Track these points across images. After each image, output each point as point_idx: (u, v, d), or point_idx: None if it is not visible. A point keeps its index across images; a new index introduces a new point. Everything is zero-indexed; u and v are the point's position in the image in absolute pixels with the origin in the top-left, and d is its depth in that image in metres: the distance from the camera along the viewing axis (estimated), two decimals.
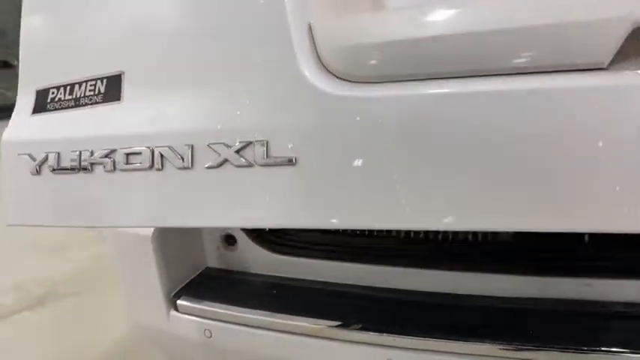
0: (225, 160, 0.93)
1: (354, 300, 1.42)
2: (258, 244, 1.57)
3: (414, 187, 0.88)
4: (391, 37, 0.89)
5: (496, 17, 0.86)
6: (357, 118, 0.88)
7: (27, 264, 3.55)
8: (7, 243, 3.58)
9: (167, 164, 0.97)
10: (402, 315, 1.33)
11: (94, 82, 1.03)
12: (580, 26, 0.81)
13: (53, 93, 1.05)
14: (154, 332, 1.62)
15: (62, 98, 1.04)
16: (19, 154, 1.06)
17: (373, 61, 0.90)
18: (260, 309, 1.40)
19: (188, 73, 1.00)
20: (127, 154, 0.99)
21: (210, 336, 1.45)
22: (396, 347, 1.26)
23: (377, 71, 0.89)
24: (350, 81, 0.91)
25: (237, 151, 0.92)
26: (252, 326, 1.39)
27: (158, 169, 0.97)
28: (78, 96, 1.03)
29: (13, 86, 1.17)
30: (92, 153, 1.00)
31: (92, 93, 1.03)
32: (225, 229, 1.58)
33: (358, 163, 0.89)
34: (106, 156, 1.00)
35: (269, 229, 1.59)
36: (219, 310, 1.44)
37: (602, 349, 1.12)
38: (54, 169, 1.04)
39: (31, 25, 1.13)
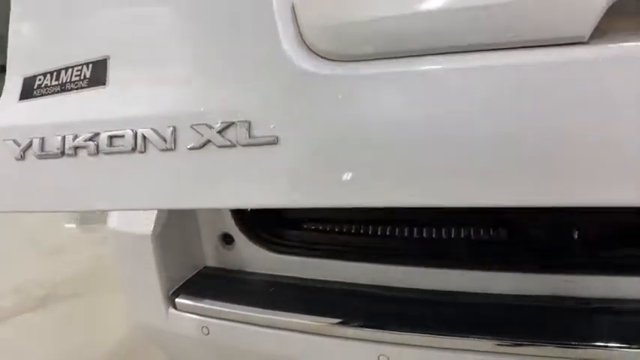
0: (208, 141, 0.89)
1: (349, 298, 1.39)
2: (255, 243, 1.55)
3: (398, 165, 0.83)
4: (373, 15, 0.84)
5: None
6: (340, 97, 0.84)
7: (27, 266, 3.51)
8: (6, 245, 3.54)
9: (150, 146, 0.92)
10: (395, 312, 1.30)
11: (80, 68, 0.99)
12: (560, 1, 0.76)
13: (40, 80, 1.01)
14: (153, 330, 1.59)
15: (48, 84, 1.00)
16: (3, 140, 1.03)
17: (356, 40, 0.85)
18: (256, 306, 1.38)
19: (171, 55, 0.97)
20: (111, 137, 0.95)
21: (208, 333, 1.42)
22: (390, 343, 1.23)
23: (360, 50, 0.85)
24: (333, 60, 0.86)
25: (220, 132, 0.88)
26: (249, 323, 1.36)
27: (141, 152, 0.93)
28: (64, 81, 1.00)
29: None
30: (76, 137, 0.96)
31: (78, 78, 0.99)
32: (222, 228, 1.56)
33: (341, 141, 0.85)
34: (90, 139, 0.96)
35: (266, 229, 1.57)
36: (216, 308, 1.41)
37: (591, 343, 1.09)
38: (38, 155, 1.00)
39: (19, 13, 1.09)
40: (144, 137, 0.92)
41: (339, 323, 1.28)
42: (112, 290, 1.89)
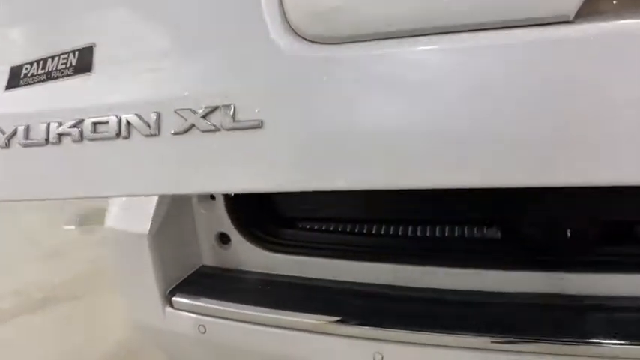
0: (192, 126, 0.85)
1: (344, 296, 1.37)
2: (251, 242, 1.53)
3: (385, 147, 0.80)
4: None
5: None
6: (325, 79, 0.81)
7: (26, 268, 3.46)
8: (6, 247, 3.50)
9: (134, 132, 0.89)
10: (389, 310, 1.28)
11: (66, 56, 0.97)
12: None
13: (27, 69, 0.99)
14: (151, 329, 1.57)
15: (35, 73, 0.98)
16: None
17: (341, 23, 0.82)
18: (252, 305, 1.35)
19: (156, 40, 0.94)
20: (95, 124, 0.91)
21: (205, 331, 1.40)
22: (384, 341, 1.20)
23: (345, 32, 0.82)
24: (318, 42, 0.83)
25: (204, 117, 0.85)
26: (245, 321, 1.34)
27: (125, 138, 0.89)
28: (50, 69, 0.97)
29: None
30: (60, 124, 0.93)
31: (64, 66, 0.96)
32: (219, 228, 1.53)
33: (327, 125, 0.81)
34: (74, 126, 0.93)
35: (262, 228, 1.55)
36: (212, 306, 1.39)
37: (585, 340, 1.07)
38: (22, 143, 0.97)
39: (5, 3, 1.05)
40: (128, 123, 0.89)
41: (335, 321, 1.25)
42: (111, 292, 1.84)
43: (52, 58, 0.96)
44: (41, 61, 0.97)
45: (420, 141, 0.77)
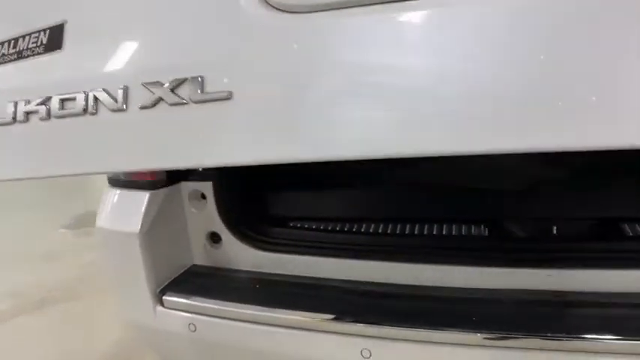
0: (160, 99, 0.80)
1: (333, 293, 1.31)
2: (242, 241, 1.46)
3: (357, 116, 0.74)
4: None
5: None
6: (295, 47, 0.76)
7: (22, 271, 3.38)
8: (1, 250, 3.44)
9: (101, 107, 0.84)
10: (377, 307, 1.23)
11: (37, 34, 0.92)
12: None
13: None
14: (142, 328, 1.51)
15: (6, 52, 0.93)
16: None
17: None
18: (242, 303, 1.29)
19: (125, 14, 0.89)
20: (62, 100, 0.86)
21: (195, 330, 1.34)
22: (372, 337, 1.14)
23: (314, 0, 0.76)
24: (288, 11, 0.78)
25: (172, 89, 0.79)
26: (235, 319, 1.29)
27: (92, 114, 0.84)
28: (21, 49, 0.93)
29: None
30: (28, 102, 0.88)
31: (35, 45, 0.92)
32: (210, 227, 1.48)
33: (297, 94, 0.75)
34: (42, 104, 0.88)
35: (253, 227, 1.49)
36: (202, 305, 1.34)
37: (577, 335, 1.01)
38: None
39: None
40: (95, 99, 0.83)
41: (323, 319, 1.20)
42: (106, 294, 1.77)
43: (24, 37, 0.92)
44: (12, 41, 0.92)
45: (396, 108, 0.71)
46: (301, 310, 1.22)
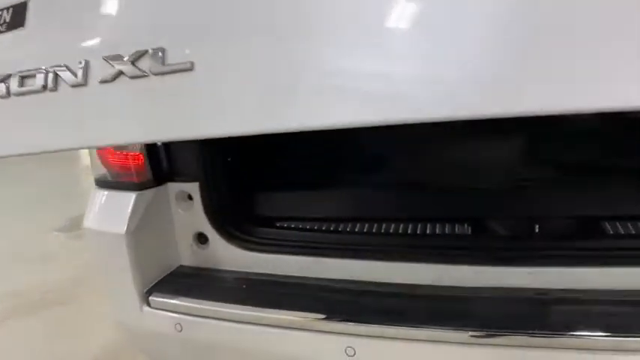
0: (120, 73, 0.76)
1: (318, 292, 1.30)
2: (229, 242, 1.44)
3: (326, 82, 0.69)
4: None
5: None
6: (258, 13, 0.71)
7: (15, 274, 3.34)
8: None
9: (61, 83, 0.80)
10: (361, 305, 1.22)
11: (0, 13, 0.87)
12: None
13: None
14: (130, 328, 1.49)
15: None
16: None
17: None
18: (228, 303, 1.28)
19: None
20: (22, 78, 0.82)
21: (181, 330, 1.32)
22: (356, 335, 1.13)
23: None
24: None
25: (133, 62, 0.75)
26: (220, 319, 1.27)
27: (52, 90, 0.80)
28: None
29: None
30: None
31: None
32: (197, 228, 1.46)
33: (261, 61, 0.71)
34: (1, 82, 0.84)
35: (239, 228, 1.46)
36: (188, 305, 1.32)
37: (561, 332, 1.00)
38: None
39: None
40: (55, 75, 0.79)
41: (308, 317, 1.19)
42: (99, 296, 1.75)
43: None
44: None
45: (363, 76, 0.68)
46: (287, 310, 1.21)
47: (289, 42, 0.69)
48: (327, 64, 0.68)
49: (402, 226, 1.40)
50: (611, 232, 1.24)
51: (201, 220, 1.43)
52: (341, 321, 1.16)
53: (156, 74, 0.73)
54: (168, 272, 1.46)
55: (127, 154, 1.40)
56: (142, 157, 1.39)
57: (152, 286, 1.39)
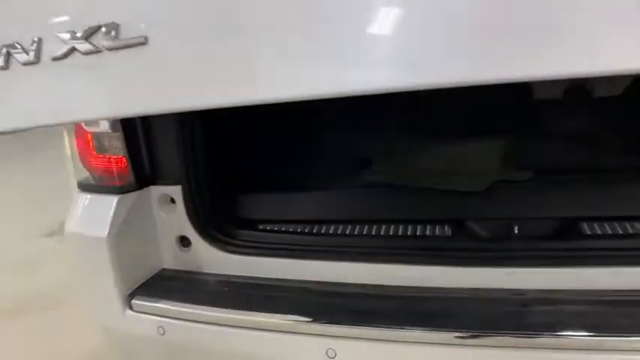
0: (73, 49, 0.72)
1: (299, 294, 1.28)
2: (211, 244, 1.40)
3: (278, 54, 0.66)
4: None
5: None
6: None
7: (1, 279, 3.27)
8: None
9: (12, 62, 0.76)
10: (342, 308, 1.20)
11: None
12: None
13: None
14: (112, 331, 1.46)
15: None
16: None
17: None
18: (210, 305, 1.27)
19: None
20: None
21: (164, 333, 1.30)
22: (336, 337, 1.12)
23: None
24: None
25: (86, 38, 0.72)
26: (203, 322, 1.25)
27: (3, 69, 0.76)
28: None
29: None
30: None
31: None
32: (179, 231, 1.41)
33: (217, 33, 0.68)
34: None
35: (222, 231, 1.44)
36: (171, 308, 1.30)
37: (545, 333, 1.00)
38: None
39: None
40: (8, 53, 0.76)
41: (289, 320, 1.17)
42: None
43: None
44: None
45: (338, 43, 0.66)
46: (268, 312, 1.20)
47: (243, 12, 0.67)
48: (282, 31, 0.66)
49: (382, 227, 1.38)
50: (589, 233, 1.22)
51: (183, 224, 1.40)
52: (322, 323, 1.14)
53: (110, 49, 0.70)
54: (151, 275, 1.43)
55: (109, 158, 1.37)
56: (124, 161, 1.36)
57: (134, 290, 1.36)
